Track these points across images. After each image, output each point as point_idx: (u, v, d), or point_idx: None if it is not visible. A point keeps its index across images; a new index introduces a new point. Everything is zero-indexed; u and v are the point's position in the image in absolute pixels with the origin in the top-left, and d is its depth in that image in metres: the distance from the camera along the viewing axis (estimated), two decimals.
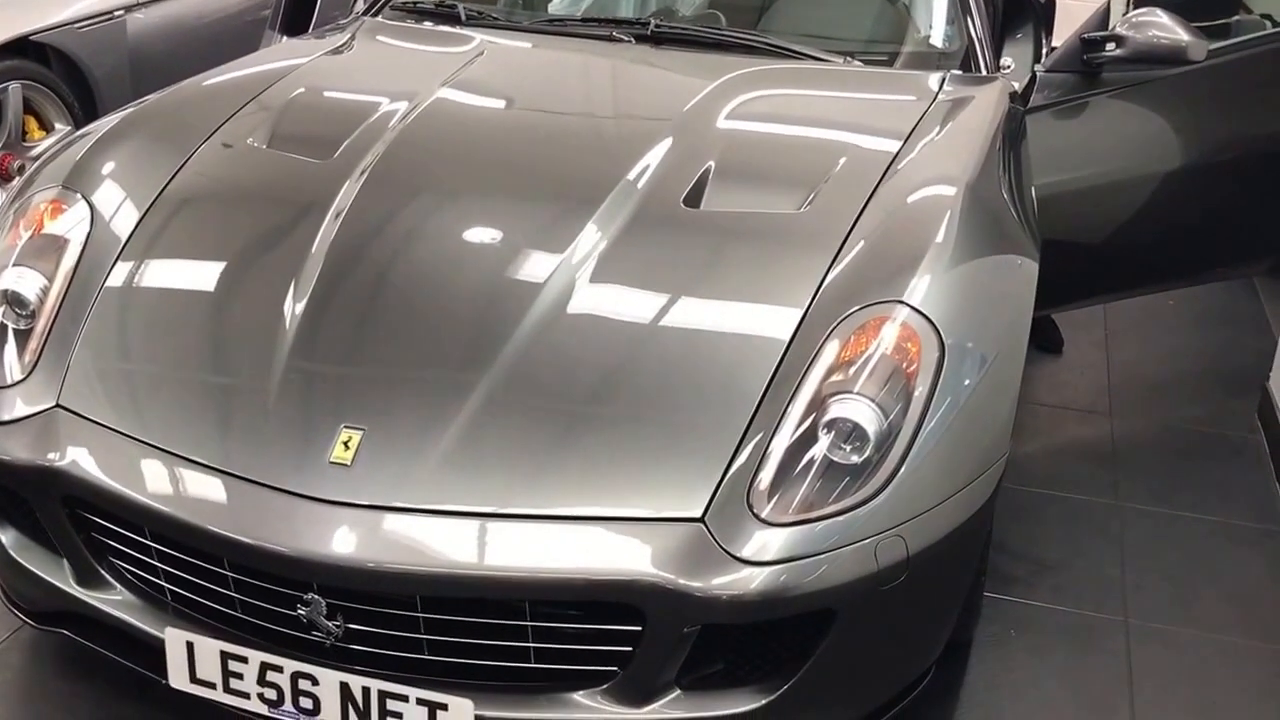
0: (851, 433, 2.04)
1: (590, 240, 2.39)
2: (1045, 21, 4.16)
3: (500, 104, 3.01)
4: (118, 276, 2.42)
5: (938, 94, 2.98)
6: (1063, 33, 3.71)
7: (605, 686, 2.04)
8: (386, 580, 1.97)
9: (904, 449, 2.04)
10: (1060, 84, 3.28)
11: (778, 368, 2.15)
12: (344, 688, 2.05)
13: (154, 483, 2.10)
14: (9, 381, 2.30)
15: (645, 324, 2.25)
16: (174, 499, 2.08)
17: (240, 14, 5.33)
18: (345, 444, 2.07)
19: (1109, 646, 2.79)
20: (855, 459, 2.03)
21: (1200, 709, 2.63)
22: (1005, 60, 3.37)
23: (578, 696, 2.05)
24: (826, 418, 2.05)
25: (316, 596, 2.01)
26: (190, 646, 2.12)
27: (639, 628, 1.98)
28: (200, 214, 2.57)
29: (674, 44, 3.24)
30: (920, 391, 2.08)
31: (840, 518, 2.00)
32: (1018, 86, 3.23)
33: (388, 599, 2.01)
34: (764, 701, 2.05)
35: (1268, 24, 3.76)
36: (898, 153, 2.64)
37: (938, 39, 3.33)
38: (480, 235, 2.47)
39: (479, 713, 2.02)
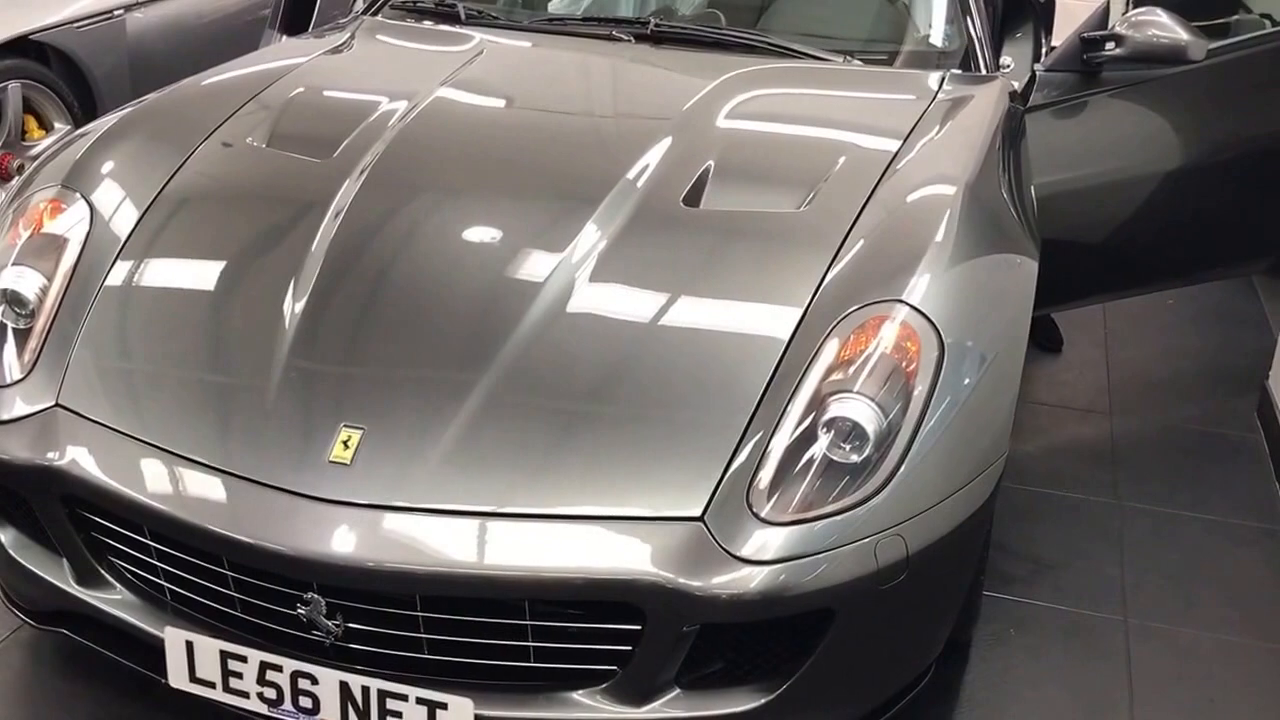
0: (851, 432, 2.04)
1: (590, 239, 2.39)
2: (1045, 21, 4.16)
3: (500, 103, 3.01)
4: (117, 276, 2.42)
5: (937, 93, 2.99)
6: (1062, 32, 3.71)
7: (605, 685, 2.04)
8: (386, 579, 1.97)
9: (903, 448, 2.04)
10: (1060, 83, 3.28)
11: (777, 367, 2.15)
12: (344, 687, 2.05)
13: (153, 482, 2.10)
14: (8, 381, 2.30)
15: (645, 323, 2.25)
16: (173, 498, 2.08)
17: (240, 13, 5.33)
18: (345, 443, 2.07)
19: (1108, 646, 2.79)
20: (855, 458, 2.03)
21: (1200, 708, 2.63)
22: (1005, 59, 3.37)
23: (577, 695, 2.05)
24: (826, 417, 2.05)
25: (316, 596, 2.01)
26: (190, 646, 2.12)
27: (639, 627, 1.98)
28: (200, 213, 2.57)
29: (674, 43, 3.24)
30: (920, 391, 2.09)
31: (840, 517, 2.00)
32: (1017, 86, 3.23)
33: (387, 598, 2.01)
34: (763, 701, 2.05)
35: (1267, 23, 3.76)
36: (897, 152, 2.64)
37: (937, 38, 3.33)
38: (480, 234, 2.47)
39: (479, 712, 2.02)
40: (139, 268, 2.44)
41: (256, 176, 2.68)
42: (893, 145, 2.67)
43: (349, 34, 3.37)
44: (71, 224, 2.48)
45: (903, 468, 2.03)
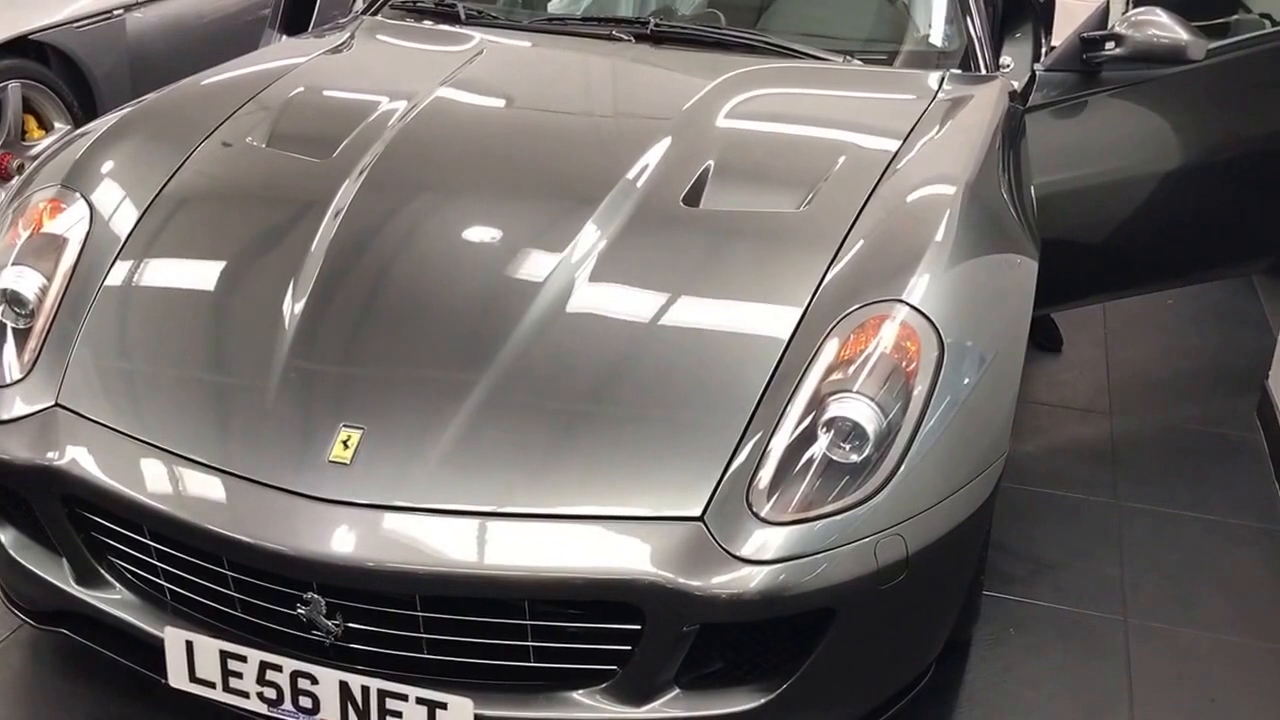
0: (851, 431, 2.04)
1: (590, 239, 2.39)
2: (1045, 20, 4.16)
3: (500, 103, 3.01)
4: (117, 275, 2.42)
5: (937, 93, 2.99)
6: (1062, 32, 3.71)
7: (605, 685, 2.04)
8: (386, 579, 1.97)
9: (903, 448, 2.04)
10: (1059, 83, 3.28)
11: (777, 366, 2.15)
12: (343, 687, 2.05)
13: (153, 482, 2.10)
14: (8, 380, 2.30)
15: (644, 323, 2.25)
16: (173, 498, 2.08)
17: (240, 13, 5.33)
18: (344, 443, 2.07)
19: (1108, 645, 2.79)
20: (854, 458, 2.03)
21: (1199, 708, 2.63)
22: (1005, 59, 3.37)
23: (577, 695, 2.05)
24: (826, 416, 2.05)
25: (316, 596, 2.01)
26: (189, 646, 2.12)
27: (638, 627, 1.98)
28: (199, 213, 2.56)
29: (673, 43, 3.24)
30: (919, 390, 2.08)
31: (839, 517, 2.00)
32: (1017, 85, 3.23)
33: (387, 598, 2.01)
34: (763, 700, 2.05)
35: (1266, 23, 3.76)
36: (897, 152, 2.64)
37: (937, 38, 3.33)
38: (479, 234, 2.47)
39: (478, 712, 2.02)
40: (139, 267, 2.43)
41: (256, 176, 2.68)
42: (893, 145, 2.67)
43: (349, 34, 3.37)
44: (71, 224, 2.48)
45: (902, 467, 2.03)
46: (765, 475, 2.03)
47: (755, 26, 3.40)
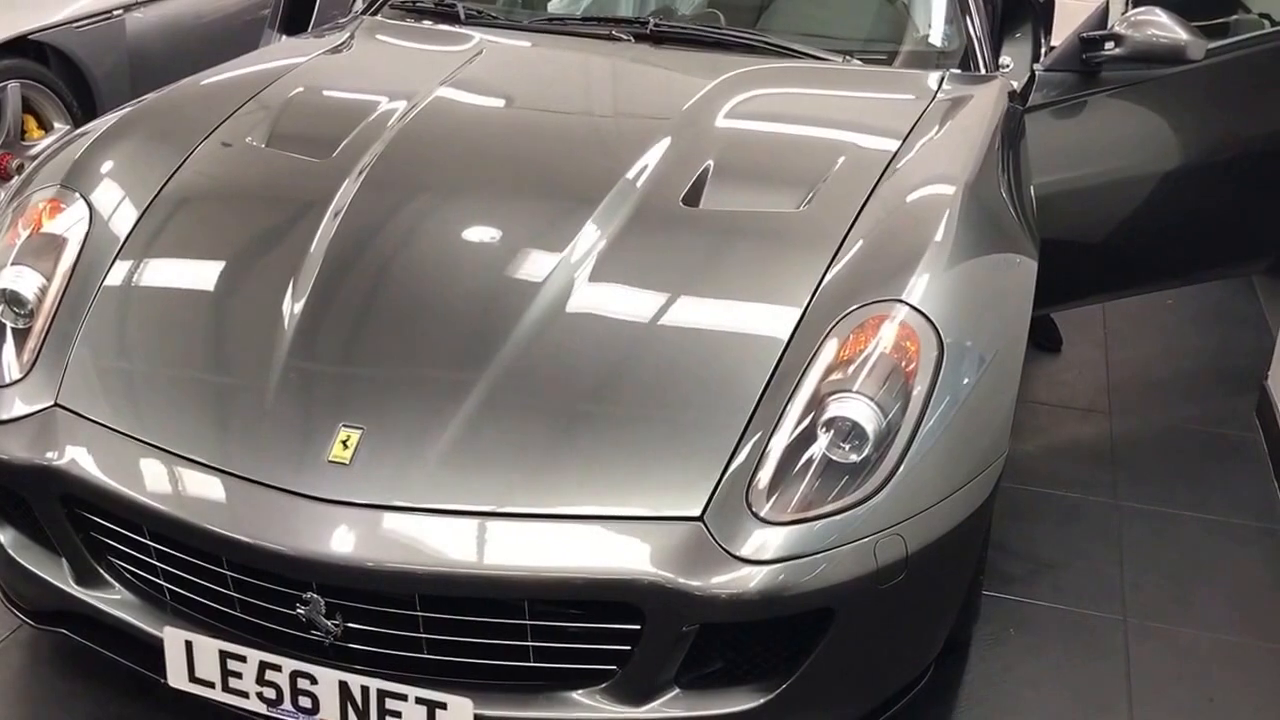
0: (850, 431, 2.04)
1: (589, 239, 2.39)
2: (1044, 20, 4.16)
3: (499, 103, 3.01)
4: (116, 275, 2.42)
5: (937, 93, 2.99)
6: (1062, 32, 3.71)
7: (604, 685, 2.04)
8: (385, 579, 1.97)
9: (903, 448, 2.04)
10: (1059, 83, 3.28)
11: (776, 366, 2.15)
12: (343, 687, 2.05)
13: (153, 482, 2.10)
14: (7, 380, 2.30)
15: (644, 323, 2.25)
16: (173, 498, 2.08)
17: (239, 13, 5.33)
18: (344, 443, 2.07)
19: (1108, 645, 2.79)
20: (854, 458, 2.03)
21: (1199, 708, 2.63)
22: (1004, 59, 3.37)
23: (577, 695, 2.05)
24: (825, 416, 2.05)
25: (315, 595, 2.01)
26: (189, 645, 2.12)
27: (638, 627, 1.98)
28: (199, 213, 2.56)
29: (673, 43, 3.24)
30: (919, 390, 2.08)
31: (839, 516, 2.00)
32: (1017, 85, 3.23)
33: (387, 598, 2.01)
34: (763, 700, 2.05)
35: (1266, 23, 3.76)
36: (896, 152, 2.64)
37: (937, 38, 3.33)
38: (479, 234, 2.47)
39: (478, 712, 2.02)
40: (138, 267, 2.43)
41: (256, 176, 2.68)
42: (892, 145, 2.67)
43: (348, 34, 3.37)
44: (70, 224, 2.48)
45: (902, 467, 2.03)
46: (765, 475, 2.03)
47: (755, 26, 3.40)
